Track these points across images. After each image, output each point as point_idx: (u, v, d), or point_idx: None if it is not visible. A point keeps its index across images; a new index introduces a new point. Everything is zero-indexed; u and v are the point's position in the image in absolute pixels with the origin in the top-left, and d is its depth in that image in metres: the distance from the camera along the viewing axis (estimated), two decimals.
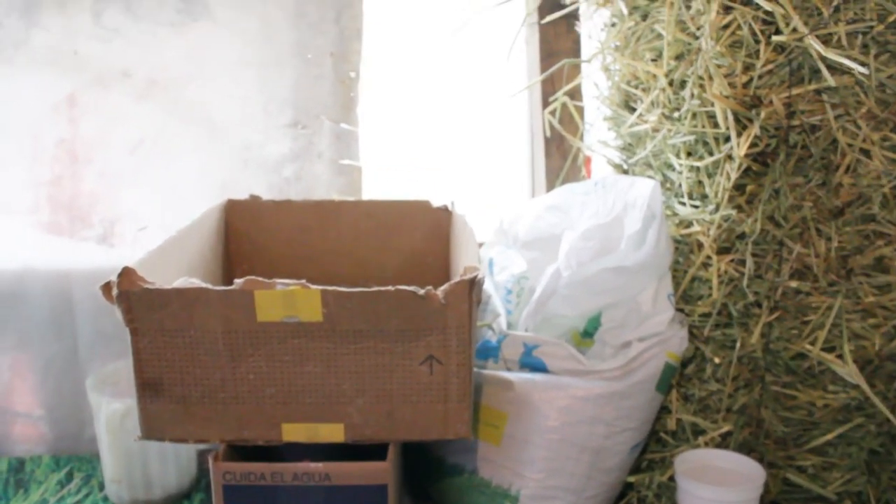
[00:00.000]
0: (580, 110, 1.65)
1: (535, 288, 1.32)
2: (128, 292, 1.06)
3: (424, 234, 1.53)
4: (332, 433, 1.14)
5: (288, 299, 1.08)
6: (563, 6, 1.62)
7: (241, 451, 1.18)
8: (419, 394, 1.12)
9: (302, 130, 1.74)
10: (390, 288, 1.08)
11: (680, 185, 1.35)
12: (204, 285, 1.10)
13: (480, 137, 1.86)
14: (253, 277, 1.09)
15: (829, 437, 1.33)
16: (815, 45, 1.18)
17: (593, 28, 1.59)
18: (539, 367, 1.28)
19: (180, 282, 1.11)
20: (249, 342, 1.10)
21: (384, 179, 1.80)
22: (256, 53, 1.74)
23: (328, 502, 1.11)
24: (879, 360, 1.32)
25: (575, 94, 1.64)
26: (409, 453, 1.38)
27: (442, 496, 1.35)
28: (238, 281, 1.08)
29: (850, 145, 1.24)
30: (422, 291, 1.07)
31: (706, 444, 1.33)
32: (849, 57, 1.18)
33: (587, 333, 1.33)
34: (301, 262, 1.55)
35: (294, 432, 1.14)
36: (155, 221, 1.66)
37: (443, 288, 1.08)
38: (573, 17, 1.63)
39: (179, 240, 1.31)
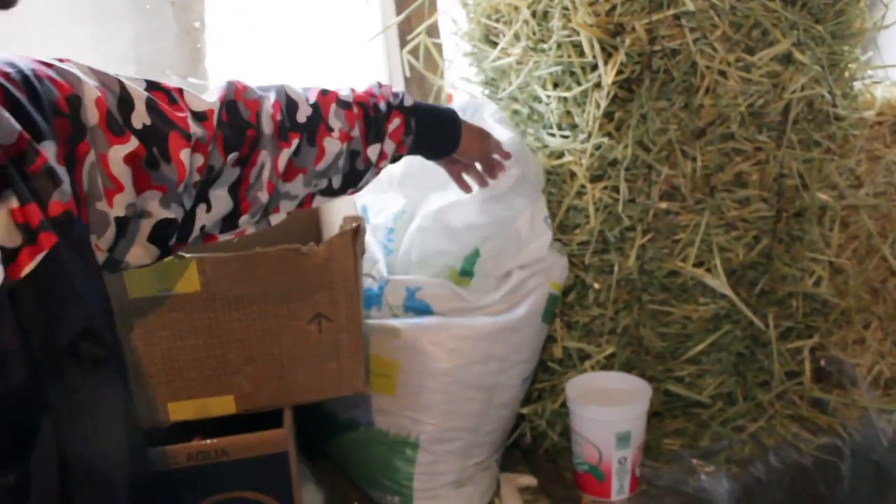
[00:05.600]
0: (439, 48, 1.62)
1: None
2: None
3: None
4: (223, 406, 1.09)
5: (160, 272, 1.02)
6: None
7: None
8: (310, 354, 1.09)
9: None
10: (270, 249, 1.03)
11: (548, 117, 1.35)
12: None
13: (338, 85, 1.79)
14: None
15: (702, 346, 1.40)
16: None
17: None
18: (424, 310, 1.27)
19: None
20: (122, 320, 1.03)
21: None
22: (89, 9, 1.60)
23: (228, 478, 1.06)
24: (742, 270, 1.39)
25: (432, 31, 1.60)
26: (298, 412, 1.34)
27: (338, 452, 1.33)
28: None
29: (708, 67, 1.27)
30: (304, 248, 1.03)
31: (592, 368, 1.37)
32: None
33: (465, 272, 1.33)
34: None
35: (181, 410, 1.08)
36: None
37: (326, 242, 1.04)
38: None
39: None
